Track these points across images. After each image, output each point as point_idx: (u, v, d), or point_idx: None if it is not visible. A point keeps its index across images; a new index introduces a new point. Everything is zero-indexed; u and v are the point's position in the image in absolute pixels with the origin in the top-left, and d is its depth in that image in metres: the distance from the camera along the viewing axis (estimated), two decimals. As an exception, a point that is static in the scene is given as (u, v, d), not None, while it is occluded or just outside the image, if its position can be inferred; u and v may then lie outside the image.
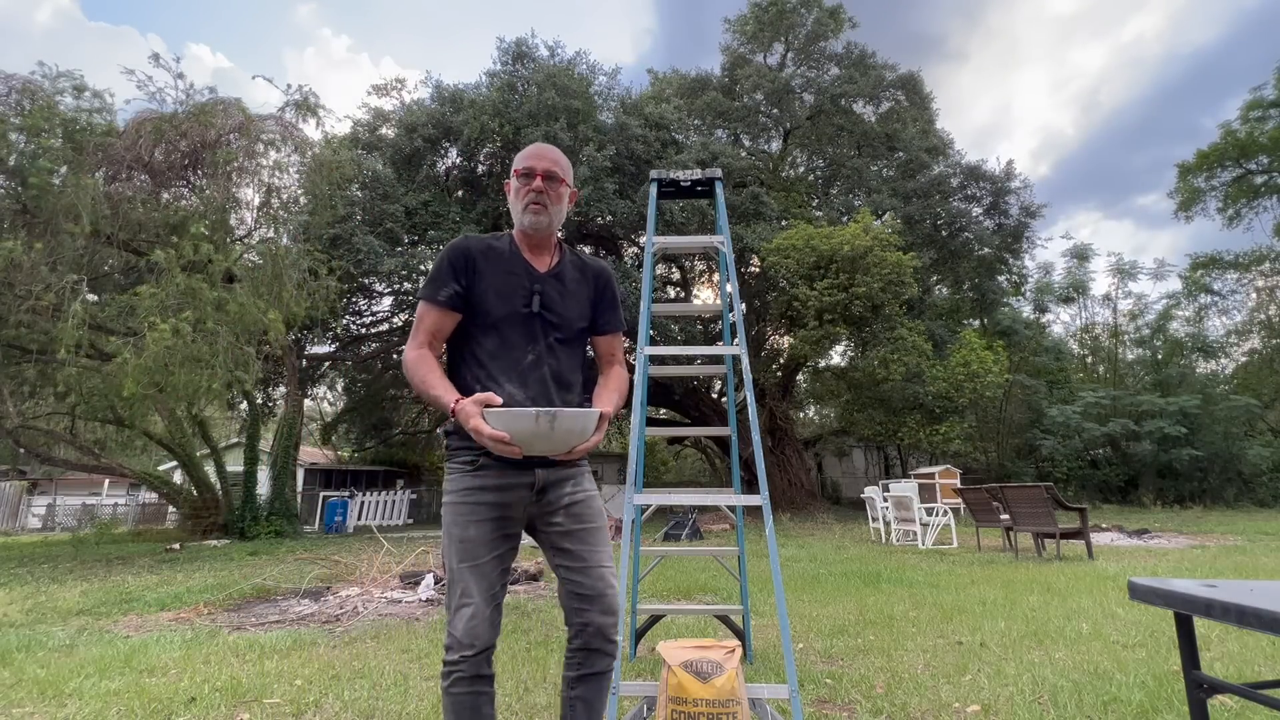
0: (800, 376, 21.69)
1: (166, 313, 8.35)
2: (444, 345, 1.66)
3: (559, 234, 1.74)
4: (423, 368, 1.55)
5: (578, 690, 1.56)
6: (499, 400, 1.44)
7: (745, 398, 4.77)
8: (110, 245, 10.04)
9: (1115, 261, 24.07)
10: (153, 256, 8.81)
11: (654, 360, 4.29)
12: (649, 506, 3.19)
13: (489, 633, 1.50)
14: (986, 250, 19.84)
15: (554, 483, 1.60)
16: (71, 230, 8.74)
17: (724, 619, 3.39)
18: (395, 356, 21.76)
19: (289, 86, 13.57)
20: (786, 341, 15.45)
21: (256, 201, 11.53)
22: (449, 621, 1.51)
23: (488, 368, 1.59)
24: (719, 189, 3.18)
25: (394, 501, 19.31)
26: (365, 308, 19.15)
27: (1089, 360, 25.30)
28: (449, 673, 1.48)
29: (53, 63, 10.16)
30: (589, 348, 1.80)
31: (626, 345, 20.97)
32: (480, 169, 17.79)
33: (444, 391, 1.50)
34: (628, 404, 1.76)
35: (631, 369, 2.36)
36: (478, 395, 1.45)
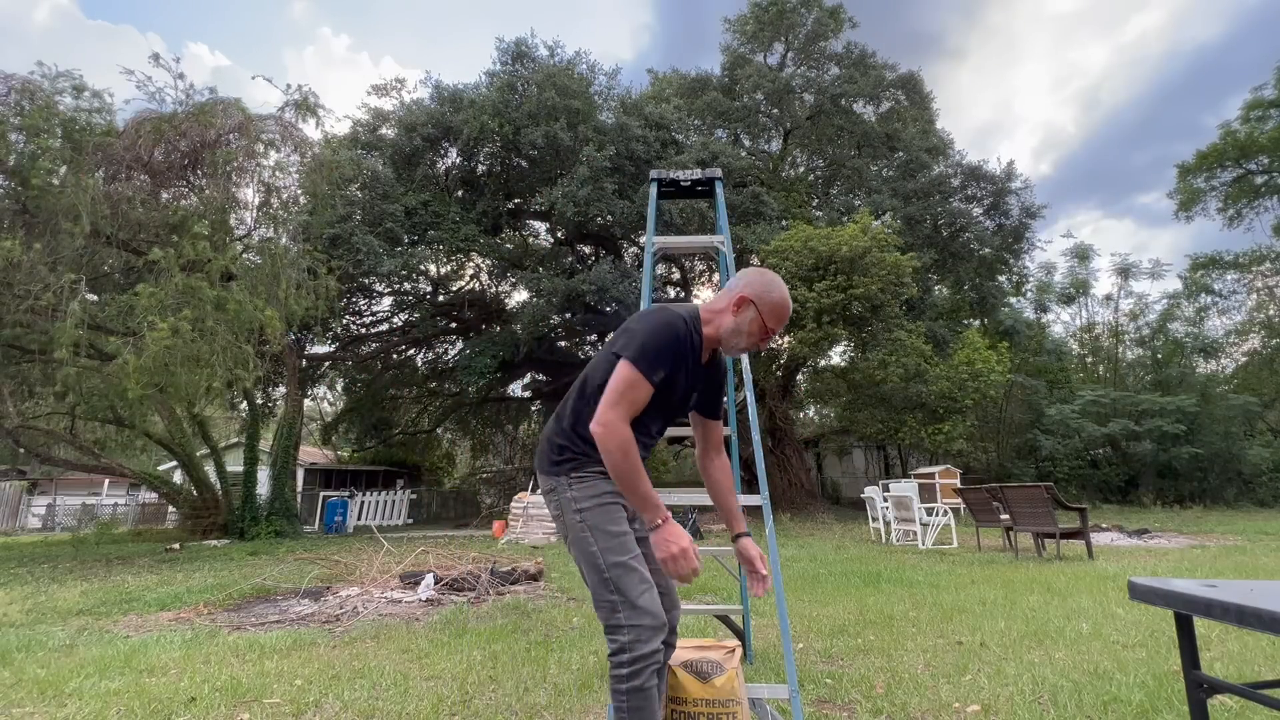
0: (800, 376, 21.68)
1: (165, 312, 8.35)
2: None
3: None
4: (635, 452, 1.54)
5: (659, 682, 1.66)
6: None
7: (745, 398, 4.78)
8: (110, 245, 10.03)
9: (1118, 261, 24.09)
10: (151, 256, 8.80)
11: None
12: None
13: (664, 616, 1.60)
14: (987, 251, 19.84)
15: None
16: (71, 230, 8.73)
17: (724, 619, 3.39)
18: (395, 356, 21.80)
19: (289, 86, 13.56)
20: (786, 342, 15.43)
21: (256, 201, 11.52)
22: (627, 616, 1.54)
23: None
24: (719, 189, 3.18)
25: (394, 501, 19.31)
26: (365, 308, 19.16)
27: (1089, 360, 25.31)
28: (643, 667, 1.50)
29: (52, 62, 10.15)
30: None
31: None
32: (480, 169, 17.79)
33: (655, 496, 1.56)
34: None
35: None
36: (687, 543, 1.54)
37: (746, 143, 21.08)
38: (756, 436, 2.75)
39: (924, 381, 14.77)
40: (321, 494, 18.25)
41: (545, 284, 15.56)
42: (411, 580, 5.79)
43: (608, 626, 1.55)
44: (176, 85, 10.75)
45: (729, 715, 2.02)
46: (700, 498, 2.73)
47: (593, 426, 1.54)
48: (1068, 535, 7.36)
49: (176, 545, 11.54)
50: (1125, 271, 23.76)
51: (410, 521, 19.38)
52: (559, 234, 19.10)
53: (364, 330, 19.69)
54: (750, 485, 13.75)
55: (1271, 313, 23.75)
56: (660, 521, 1.52)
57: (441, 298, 19.71)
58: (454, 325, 20.64)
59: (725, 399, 1.95)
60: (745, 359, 2.63)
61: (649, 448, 1.75)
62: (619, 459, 1.51)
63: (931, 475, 14.20)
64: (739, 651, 2.19)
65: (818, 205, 20.62)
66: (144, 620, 4.80)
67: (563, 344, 21.49)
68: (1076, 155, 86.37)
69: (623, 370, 1.56)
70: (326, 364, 19.58)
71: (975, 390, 15.01)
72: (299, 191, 12.01)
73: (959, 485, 13.04)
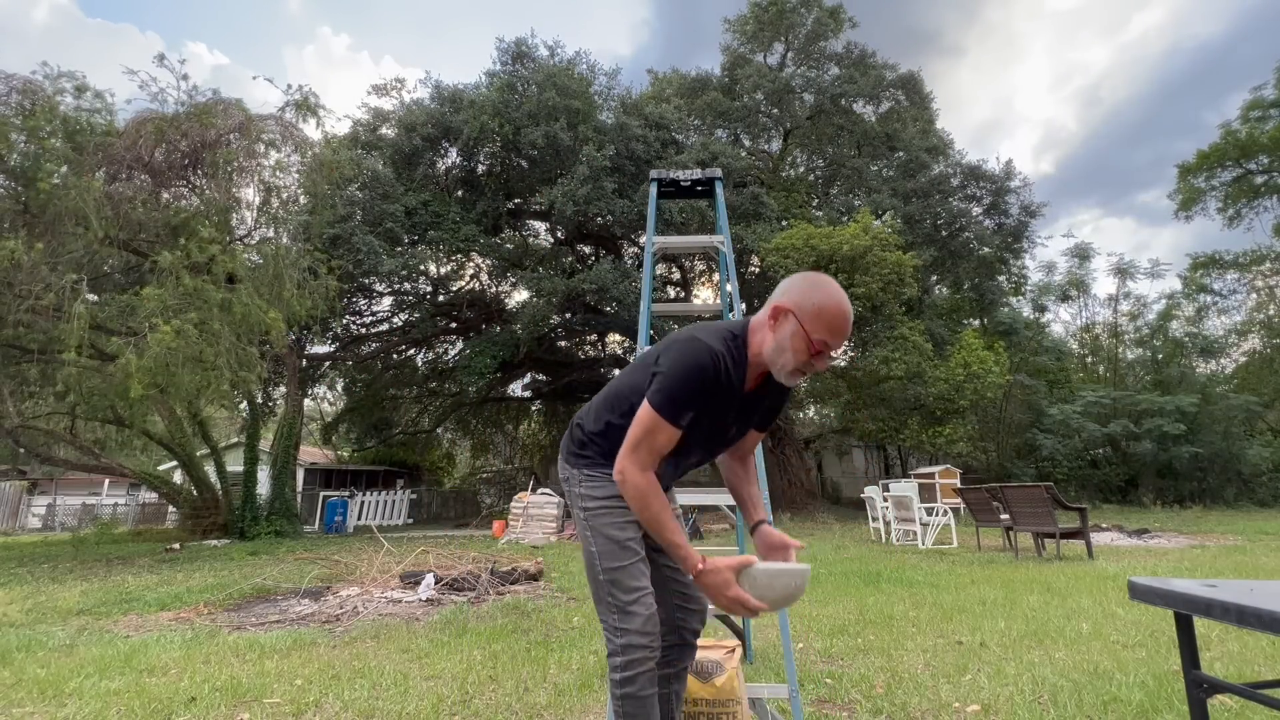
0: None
1: (170, 314, 8.35)
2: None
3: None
4: (655, 502, 1.45)
5: (675, 686, 1.69)
6: (753, 560, 1.42)
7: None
8: (110, 245, 10.03)
9: (1116, 262, 24.08)
10: (158, 258, 8.80)
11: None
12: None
13: (660, 628, 1.55)
14: (986, 250, 19.84)
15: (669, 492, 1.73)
16: (78, 233, 8.75)
17: (724, 619, 3.38)
18: (395, 356, 21.79)
19: (289, 86, 13.58)
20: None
21: (257, 201, 11.53)
22: (618, 621, 1.51)
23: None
24: (719, 189, 3.18)
25: (394, 501, 19.31)
26: (365, 308, 19.15)
27: (1089, 360, 25.30)
28: (636, 674, 1.46)
29: (54, 62, 10.14)
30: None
31: (626, 344, 21.03)
32: (480, 169, 17.79)
33: (684, 541, 1.44)
34: None
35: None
36: (730, 561, 1.40)
37: (746, 143, 21.08)
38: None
39: (923, 383, 14.77)
40: (321, 494, 18.25)
41: (545, 284, 15.56)
42: (411, 580, 5.79)
43: (605, 627, 1.56)
44: (179, 86, 10.77)
45: (729, 715, 2.02)
46: (700, 498, 2.73)
47: (614, 473, 1.49)
48: (1068, 535, 7.36)
49: (176, 545, 11.54)
50: (1123, 271, 23.76)
51: (410, 521, 19.39)
52: (559, 234, 19.10)
53: (364, 330, 19.69)
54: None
55: (1271, 313, 23.75)
56: (697, 570, 1.41)
57: (441, 298, 19.71)
58: (454, 325, 20.63)
59: (780, 413, 1.78)
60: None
61: (685, 470, 1.71)
62: (639, 509, 1.45)
63: (931, 475, 14.19)
64: (739, 651, 2.19)
65: (818, 205, 20.61)
66: (144, 620, 4.80)
67: (563, 344, 21.49)
68: (1077, 153, 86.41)
69: (644, 414, 1.46)
70: (326, 364, 19.58)
71: (973, 391, 15.01)
72: (299, 191, 12.01)
73: (959, 485, 13.04)
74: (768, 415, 1.75)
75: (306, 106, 11.70)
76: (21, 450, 13.39)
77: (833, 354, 1.49)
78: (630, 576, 1.54)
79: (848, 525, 13.41)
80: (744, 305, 17.77)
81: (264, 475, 14.80)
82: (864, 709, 2.52)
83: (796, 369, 1.47)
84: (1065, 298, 24.83)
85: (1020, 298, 24.31)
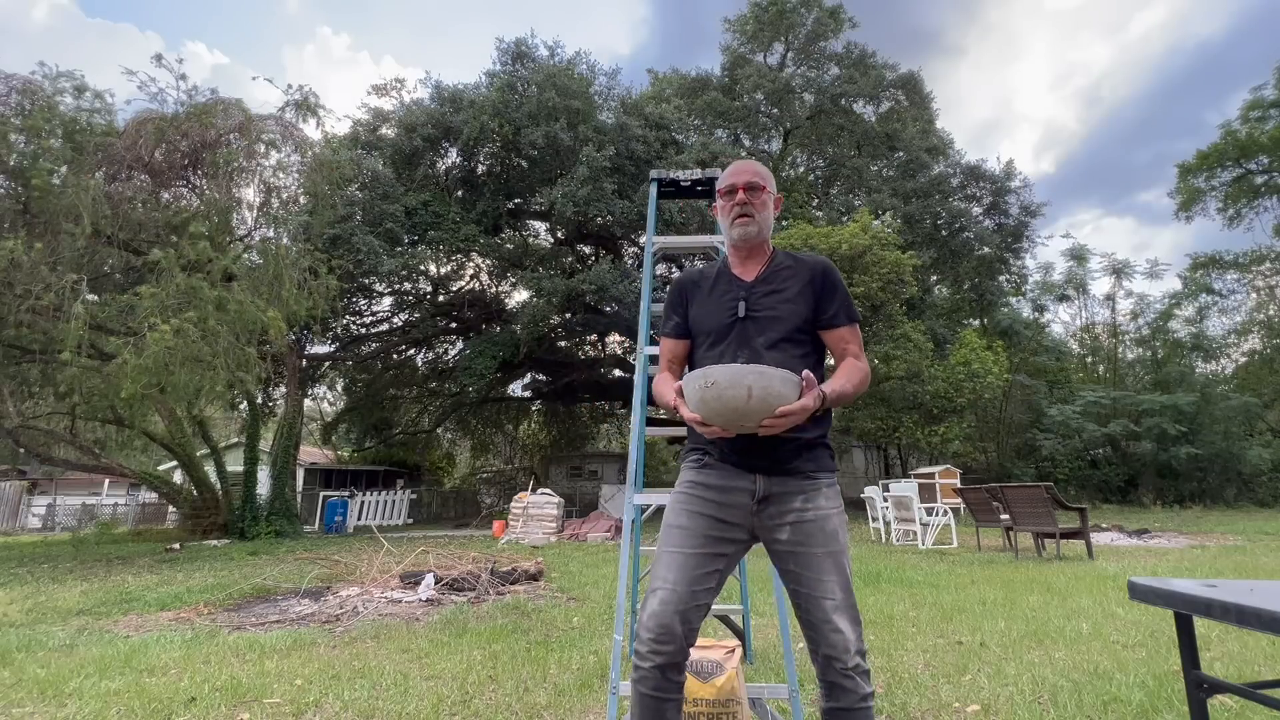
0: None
1: (167, 313, 8.34)
2: (686, 368, 1.74)
3: (770, 242, 1.76)
4: (661, 385, 1.65)
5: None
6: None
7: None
8: (110, 245, 10.03)
9: (1112, 262, 24.09)
10: (152, 257, 8.80)
11: (654, 360, 4.28)
12: (649, 506, 3.19)
13: (680, 627, 1.40)
14: (987, 250, 19.86)
15: (780, 495, 1.51)
16: (72, 231, 8.73)
17: (724, 619, 3.38)
18: (395, 356, 21.80)
19: (289, 86, 13.58)
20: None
21: (257, 201, 11.53)
22: (642, 606, 1.47)
23: None
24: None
25: (394, 501, 19.29)
26: (365, 308, 19.16)
27: (1089, 360, 25.31)
28: (635, 667, 1.42)
29: (54, 62, 10.15)
30: (826, 349, 1.72)
31: (626, 345, 21.03)
32: (480, 169, 17.79)
33: (669, 390, 1.56)
34: (627, 404, 1.77)
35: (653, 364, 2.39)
36: (677, 386, 1.49)
37: (746, 143, 21.10)
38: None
39: (921, 382, 14.78)
40: (321, 494, 18.24)
41: (545, 284, 15.56)
42: (411, 580, 5.79)
43: None
44: (179, 86, 10.76)
45: (729, 715, 2.02)
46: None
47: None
48: (1068, 535, 7.36)
49: (176, 545, 11.54)
50: (1119, 271, 23.76)
51: (410, 521, 19.37)
52: (559, 234, 19.11)
53: (364, 330, 19.69)
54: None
55: (1271, 313, 23.75)
56: (675, 406, 1.52)
57: (441, 298, 19.71)
58: (454, 325, 20.64)
59: (842, 306, 1.63)
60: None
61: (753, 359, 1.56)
62: (655, 396, 1.66)
63: (931, 475, 14.19)
64: (739, 651, 2.19)
65: (818, 205, 20.64)
66: (144, 620, 4.80)
67: (563, 344, 21.49)
68: (1077, 153, 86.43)
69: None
70: (326, 364, 19.58)
71: (971, 391, 15.01)
72: (299, 191, 12.01)
73: (959, 485, 13.04)
74: (827, 305, 1.62)
75: (306, 106, 11.71)
76: (21, 450, 13.39)
77: (740, 191, 1.67)
78: (659, 564, 1.49)
79: (848, 525, 13.40)
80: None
81: (264, 475, 14.80)
82: (864, 709, 2.52)
83: (730, 222, 1.69)
84: (1063, 298, 24.85)
85: (1020, 298, 24.34)
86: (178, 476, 16.61)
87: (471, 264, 19.99)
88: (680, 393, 1.46)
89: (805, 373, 1.40)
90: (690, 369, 1.66)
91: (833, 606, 1.47)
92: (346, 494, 18.02)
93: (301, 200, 12.21)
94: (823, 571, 1.49)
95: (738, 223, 1.67)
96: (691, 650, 2.15)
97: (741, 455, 1.52)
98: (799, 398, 1.38)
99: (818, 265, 1.67)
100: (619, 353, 21.81)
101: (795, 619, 1.58)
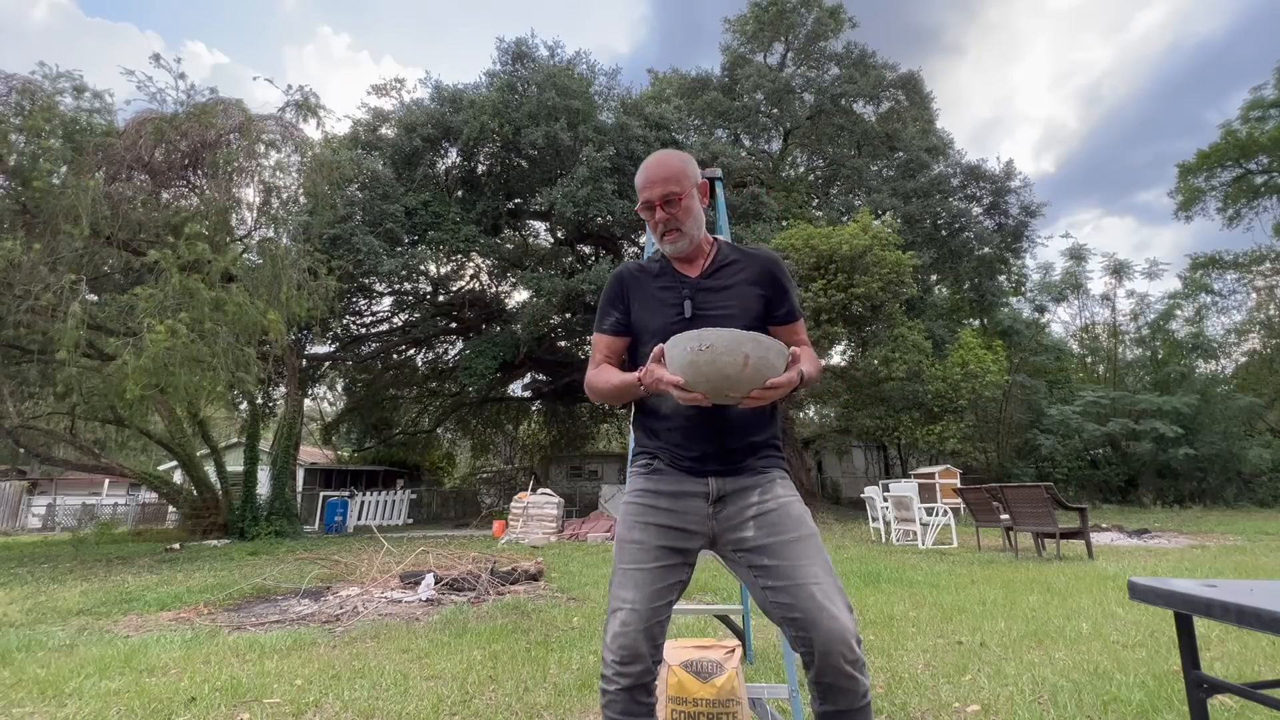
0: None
1: (164, 313, 8.34)
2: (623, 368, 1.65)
3: (710, 238, 1.66)
4: (601, 374, 1.56)
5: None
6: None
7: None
8: (110, 245, 10.03)
9: (1110, 262, 24.09)
10: (149, 257, 8.80)
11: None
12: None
13: (645, 646, 1.35)
14: (987, 250, 19.86)
15: (734, 492, 1.47)
16: (70, 231, 8.72)
17: (724, 619, 3.38)
18: (395, 356, 21.80)
19: (289, 87, 13.59)
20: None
21: (256, 202, 11.53)
22: (605, 628, 1.41)
23: None
24: (719, 188, 3.17)
25: (394, 501, 19.30)
26: (365, 308, 19.17)
27: (1089, 360, 25.31)
28: (602, 691, 1.36)
29: (53, 62, 10.15)
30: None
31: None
32: (480, 169, 17.79)
33: (625, 375, 1.49)
34: (627, 404, 1.71)
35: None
36: (656, 351, 1.37)
37: (746, 143, 21.10)
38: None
39: (921, 381, 14.78)
40: (321, 494, 18.25)
41: (545, 284, 15.57)
42: (411, 580, 5.79)
43: None
44: (178, 86, 10.76)
45: (729, 715, 2.02)
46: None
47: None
48: (1068, 535, 7.36)
49: (176, 545, 11.54)
50: (1118, 271, 23.76)
51: (410, 521, 19.38)
52: (559, 234, 19.11)
53: (364, 330, 19.70)
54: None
55: (1271, 313, 23.75)
56: (638, 381, 1.41)
57: (441, 298, 19.72)
58: (454, 325, 20.64)
59: (789, 301, 1.60)
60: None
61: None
62: (594, 388, 1.57)
63: (931, 475, 14.20)
64: (739, 651, 2.19)
65: (818, 205, 20.63)
66: (144, 620, 4.80)
67: (563, 344, 21.49)
68: (1078, 152, 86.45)
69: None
70: (326, 364, 19.59)
71: (970, 390, 15.01)
72: (299, 192, 12.01)
73: (959, 485, 13.04)
74: (777, 300, 1.59)
75: (306, 106, 11.71)
76: (21, 450, 13.39)
77: (657, 208, 1.56)
78: (618, 583, 1.43)
79: (847, 525, 13.41)
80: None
81: (264, 475, 14.80)
82: (864, 709, 2.52)
83: (660, 239, 1.60)
84: (1061, 298, 24.85)
85: (1020, 298, 24.33)
86: (178, 476, 16.61)
87: (471, 264, 19.99)
88: (658, 358, 1.35)
89: (792, 348, 1.37)
90: (632, 368, 1.59)
91: (821, 592, 1.32)
92: (346, 494, 18.03)
93: (301, 200, 12.21)
94: (800, 557, 1.37)
95: (666, 239, 1.58)
96: (691, 650, 2.15)
97: (694, 461, 1.48)
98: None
99: (767, 260, 1.62)
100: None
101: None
